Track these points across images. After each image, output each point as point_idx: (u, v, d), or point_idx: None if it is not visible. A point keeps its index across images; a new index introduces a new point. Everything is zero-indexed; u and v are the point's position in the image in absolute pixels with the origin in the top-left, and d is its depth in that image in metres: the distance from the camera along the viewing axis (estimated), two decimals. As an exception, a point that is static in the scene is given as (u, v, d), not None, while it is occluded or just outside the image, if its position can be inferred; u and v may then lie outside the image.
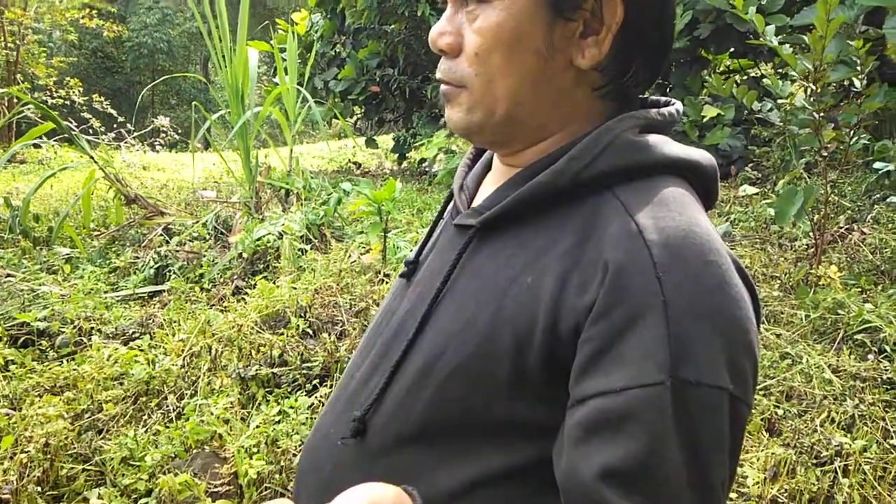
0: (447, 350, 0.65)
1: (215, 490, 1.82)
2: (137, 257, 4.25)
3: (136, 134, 9.12)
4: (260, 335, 2.77)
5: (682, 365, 0.54)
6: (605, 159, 0.64)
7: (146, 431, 2.20)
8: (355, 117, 9.04)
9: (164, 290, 3.78)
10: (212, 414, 2.12)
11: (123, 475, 2.05)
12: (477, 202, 0.76)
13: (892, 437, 1.97)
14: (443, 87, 0.70)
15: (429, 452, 0.66)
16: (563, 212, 0.65)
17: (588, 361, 0.57)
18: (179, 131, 10.48)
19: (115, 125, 8.65)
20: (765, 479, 1.82)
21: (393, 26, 6.90)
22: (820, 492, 1.79)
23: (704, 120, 4.92)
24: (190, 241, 4.34)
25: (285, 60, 4.71)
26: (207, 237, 4.40)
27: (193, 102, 4.55)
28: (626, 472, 0.54)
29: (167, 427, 2.16)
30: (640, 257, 0.56)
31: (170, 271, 3.97)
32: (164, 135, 9.75)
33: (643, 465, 0.54)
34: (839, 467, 1.85)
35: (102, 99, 9.06)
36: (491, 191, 0.74)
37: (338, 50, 7.66)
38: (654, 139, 0.67)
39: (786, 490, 1.80)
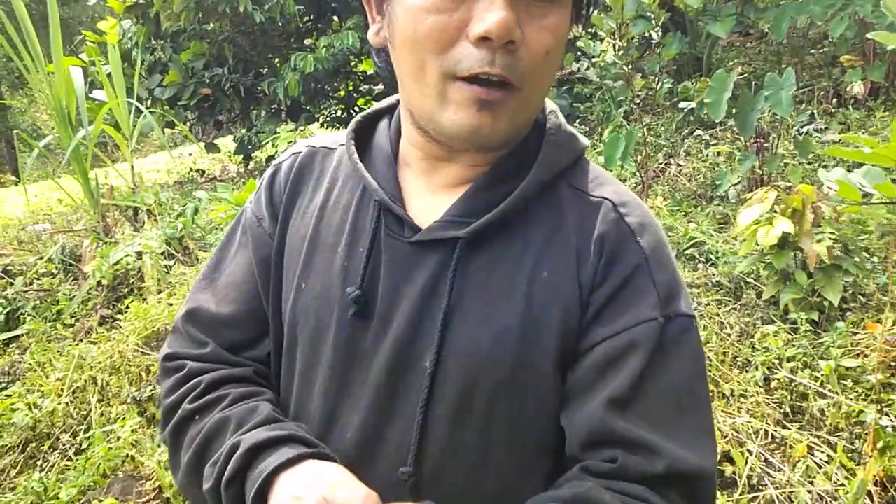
0: (484, 369, 0.64)
1: (142, 508, 1.83)
2: (-21, 306, 3.90)
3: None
4: (146, 356, 2.71)
5: (666, 304, 0.66)
6: (567, 152, 0.71)
7: (49, 471, 2.13)
8: (188, 123, 8.65)
9: (21, 335, 3.53)
10: (118, 438, 2.10)
11: (34, 521, 1.99)
12: (420, 209, 0.70)
13: (726, 328, 2.37)
14: (485, 91, 0.60)
15: (496, 475, 0.66)
16: (536, 204, 0.69)
17: (594, 316, 0.66)
18: (-15, 165, 9.45)
19: None
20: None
21: (213, 25, 6.68)
22: (679, 382, 2.13)
23: (532, 83, 5.30)
24: (37, 278, 4.04)
25: (108, 73, 4.47)
26: (56, 271, 4.13)
27: (15, 131, 4.20)
28: (625, 396, 0.63)
29: (73, 462, 2.10)
30: (622, 229, 0.67)
31: (22, 314, 3.70)
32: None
33: (638, 385, 0.63)
34: (690, 359, 2.21)
35: None
36: (432, 195, 0.70)
37: (158, 55, 7.28)
38: (570, 127, 0.74)
39: (653, 387, 2.13)
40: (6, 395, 2.69)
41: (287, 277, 0.75)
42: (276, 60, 6.92)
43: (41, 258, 4.19)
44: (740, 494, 1.74)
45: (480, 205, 0.68)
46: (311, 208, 0.76)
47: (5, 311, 3.71)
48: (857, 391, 1.96)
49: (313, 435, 0.68)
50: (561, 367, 0.66)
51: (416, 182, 0.72)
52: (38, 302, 3.79)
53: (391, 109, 0.79)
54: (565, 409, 0.67)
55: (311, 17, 6.90)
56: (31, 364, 3.01)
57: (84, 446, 2.28)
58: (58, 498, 1.92)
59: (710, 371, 2.16)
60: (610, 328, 0.65)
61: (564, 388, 0.67)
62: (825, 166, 3.15)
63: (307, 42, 6.94)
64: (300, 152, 0.81)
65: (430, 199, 0.71)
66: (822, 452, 1.83)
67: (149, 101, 7.08)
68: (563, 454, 0.68)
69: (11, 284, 4.00)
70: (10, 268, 4.28)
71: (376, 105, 0.81)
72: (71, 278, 4.11)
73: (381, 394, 0.67)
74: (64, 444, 2.32)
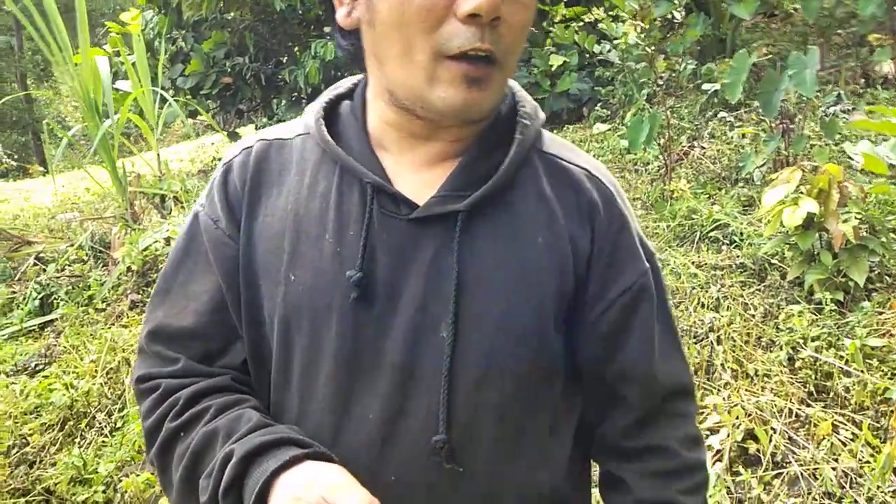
0: (497, 332, 0.68)
1: (178, 483, 1.89)
2: (14, 292, 4.01)
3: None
4: (177, 338, 2.78)
5: (644, 251, 0.76)
6: (535, 123, 0.75)
7: (87, 448, 2.20)
8: (211, 112, 8.74)
9: (55, 319, 3.63)
10: (153, 417, 2.16)
11: (74, 494, 2.06)
12: (406, 188, 0.70)
13: (750, 309, 2.37)
14: (474, 68, 0.63)
15: (520, 428, 0.71)
16: (519, 174, 0.72)
17: (602, 277, 0.73)
18: (15, 157, 9.64)
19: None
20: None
21: (234, 14, 6.73)
22: (702, 361, 2.14)
23: (553, 69, 5.29)
24: (69, 264, 4.14)
25: (133, 63, 4.54)
26: (86, 258, 4.22)
27: (45, 121, 4.29)
28: (646, 342, 0.75)
29: (110, 439, 2.18)
30: (607, 193, 0.75)
31: (55, 299, 3.80)
32: (-3, 163, 8.97)
33: (652, 328, 0.75)
34: (714, 339, 2.22)
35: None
36: (416, 173, 0.71)
37: (179, 45, 7.35)
38: (531, 98, 0.77)
39: (676, 367, 2.15)
40: (44, 376, 2.78)
41: (268, 276, 0.72)
42: (297, 48, 6.96)
43: (72, 245, 4.29)
44: (764, 471, 1.75)
45: (473, 178, 0.70)
46: (280, 202, 0.73)
47: (40, 297, 3.81)
48: (882, 370, 1.96)
49: (325, 426, 0.69)
50: (557, 325, 0.72)
51: (396, 162, 0.72)
52: (70, 287, 3.88)
53: (349, 94, 0.78)
54: (592, 359, 0.75)
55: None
56: (65, 347, 3.10)
57: (119, 424, 2.36)
58: (97, 472, 1.99)
59: (734, 352, 2.17)
60: (620, 284, 0.73)
61: (586, 343, 0.75)
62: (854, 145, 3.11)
63: (327, 29, 6.96)
64: (251, 147, 0.77)
65: (414, 177, 0.72)
66: (847, 430, 1.83)
67: (171, 91, 7.17)
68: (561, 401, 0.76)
69: (44, 271, 4.10)
70: (42, 255, 4.39)
71: (331, 90, 0.79)
72: (101, 264, 4.20)
73: (399, 371, 0.68)
74: (100, 423, 2.39)
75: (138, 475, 1.84)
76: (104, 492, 1.96)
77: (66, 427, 2.45)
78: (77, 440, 2.38)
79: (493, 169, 0.70)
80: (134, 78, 4.25)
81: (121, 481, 1.89)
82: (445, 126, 0.69)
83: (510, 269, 0.69)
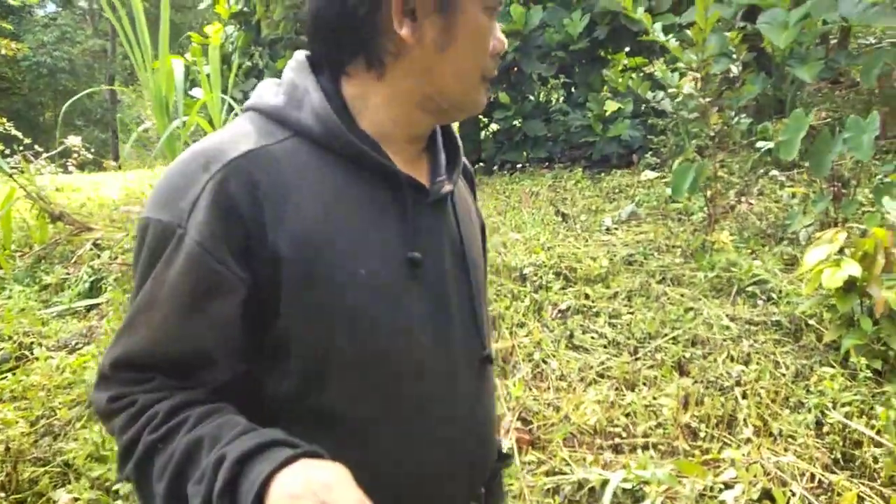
0: (479, 272, 0.96)
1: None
2: (69, 274, 4.21)
3: (45, 155, 8.78)
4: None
5: None
6: None
7: (110, 426, 2.28)
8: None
9: (101, 303, 3.78)
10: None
11: (90, 470, 2.13)
12: (416, 172, 0.88)
13: (781, 368, 2.31)
14: (487, 85, 0.88)
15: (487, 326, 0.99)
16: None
17: (478, 218, 1.04)
18: (92, 150, 10.14)
19: (21, 147, 8.30)
20: (678, 407, 2.11)
21: (309, 36, 7.01)
22: (724, 414, 2.09)
23: (607, 114, 5.32)
24: (122, 253, 4.32)
25: (207, 73, 4.76)
26: (139, 250, 4.40)
27: (118, 116, 4.53)
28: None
29: (132, 419, 2.25)
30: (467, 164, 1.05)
31: (105, 284, 3.96)
32: (75, 155, 9.44)
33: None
34: (739, 394, 2.17)
35: (4, 120, 8.66)
36: (410, 163, 0.86)
37: (255, 61, 7.68)
38: None
39: (696, 416, 2.10)
40: (80, 355, 2.90)
41: (326, 279, 0.75)
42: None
43: (127, 235, 4.48)
44: (774, 530, 1.68)
45: (441, 164, 0.91)
46: (309, 210, 0.75)
47: (90, 280, 3.99)
48: (914, 445, 1.87)
49: (438, 379, 0.84)
50: None
51: (394, 158, 0.84)
52: (119, 274, 4.04)
53: (325, 94, 0.80)
54: None
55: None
56: (106, 330, 3.22)
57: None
58: (112, 450, 2.05)
59: (758, 408, 2.11)
60: (479, 223, 1.04)
61: None
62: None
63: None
64: (241, 158, 0.74)
65: (409, 166, 0.87)
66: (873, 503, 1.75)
67: (241, 104, 7.46)
68: None
69: (99, 256, 4.29)
70: (99, 242, 4.59)
71: (293, 91, 0.80)
72: (151, 258, 4.36)
73: (457, 318, 0.88)
74: (126, 403, 2.47)
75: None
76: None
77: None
78: (102, 417, 2.46)
79: (447, 155, 0.93)
80: (206, 85, 4.46)
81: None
82: (442, 121, 0.90)
83: (471, 224, 0.96)
